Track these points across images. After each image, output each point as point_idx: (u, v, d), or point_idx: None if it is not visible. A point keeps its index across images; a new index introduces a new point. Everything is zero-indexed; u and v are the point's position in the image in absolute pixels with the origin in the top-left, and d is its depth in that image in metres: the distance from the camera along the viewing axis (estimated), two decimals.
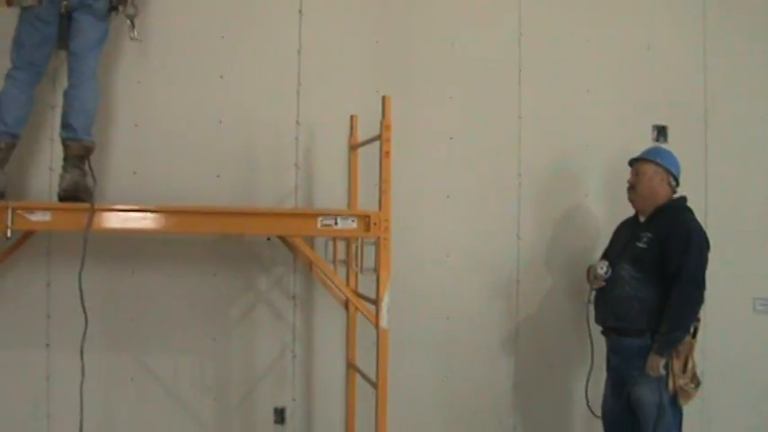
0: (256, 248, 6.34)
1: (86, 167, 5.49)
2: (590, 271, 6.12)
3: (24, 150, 5.67)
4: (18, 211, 4.98)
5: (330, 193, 6.41)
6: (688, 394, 5.77)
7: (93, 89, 5.51)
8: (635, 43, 6.99)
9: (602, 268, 5.94)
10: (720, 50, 7.16)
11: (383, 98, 5.23)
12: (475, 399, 6.70)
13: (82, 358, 5.19)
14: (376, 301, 5.27)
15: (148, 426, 6.26)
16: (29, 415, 6.13)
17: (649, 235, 5.86)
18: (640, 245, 5.86)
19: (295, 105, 6.41)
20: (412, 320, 6.34)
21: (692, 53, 7.12)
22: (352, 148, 6.35)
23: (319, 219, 5.24)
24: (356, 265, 5.77)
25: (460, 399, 6.67)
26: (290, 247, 6.17)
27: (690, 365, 5.77)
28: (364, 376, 5.86)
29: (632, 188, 6.04)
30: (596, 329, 6.18)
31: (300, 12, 6.45)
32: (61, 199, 5.34)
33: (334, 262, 6.11)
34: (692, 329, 5.75)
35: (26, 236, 5.88)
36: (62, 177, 5.42)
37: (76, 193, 5.32)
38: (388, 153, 5.19)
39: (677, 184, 6.02)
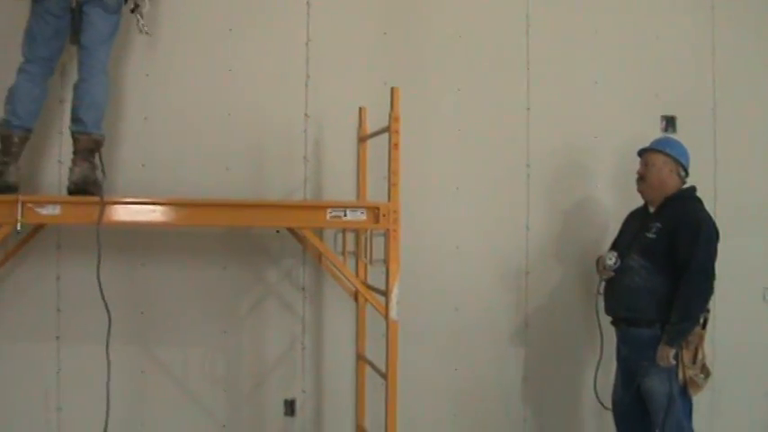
0: (266, 241, 6.35)
1: (96, 161, 5.50)
2: (599, 261, 6.11)
3: (34, 144, 5.65)
4: (28, 205, 4.98)
5: (339, 185, 6.41)
6: (698, 385, 5.77)
7: (103, 83, 5.50)
8: (643, 34, 6.98)
9: (611, 259, 5.94)
10: (729, 40, 7.15)
11: (392, 90, 5.23)
12: (484, 390, 6.71)
13: (107, 353, 5.21)
14: (385, 293, 5.27)
15: (159, 418, 6.28)
16: (40, 407, 6.16)
17: (659, 225, 5.86)
18: (650, 235, 5.86)
19: (303, 98, 6.42)
20: (421, 312, 6.34)
21: (701, 43, 7.11)
22: (361, 139, 6.35)
23: (328, 210, 5.24)
24: (365, 257, 5.77)
25: (470, 390, 6.68)
26: (300, 239, 6.18)
27: (700, 356, 5.78)
28: (374, 367, 5.86)
29: (641, 179, 6.03)
30: (606, 320, 6.18)
31: (308, 4, 6.45)
32: (71, 192, 5.34)
33: (343, 254, 6.10)
34: (701, 320, 5.76)
35: (36, 229, 5.91)
36: (72, 171, 5.41)
37: (86, 187, 5.32)
38: (396, 145, 5.19)
39: (686, 174, 6.02)
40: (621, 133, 6.78)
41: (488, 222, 6.68)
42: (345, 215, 5.23)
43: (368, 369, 6.18)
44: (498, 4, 6.80)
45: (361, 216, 5.23)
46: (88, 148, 5.45)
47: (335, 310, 6.47)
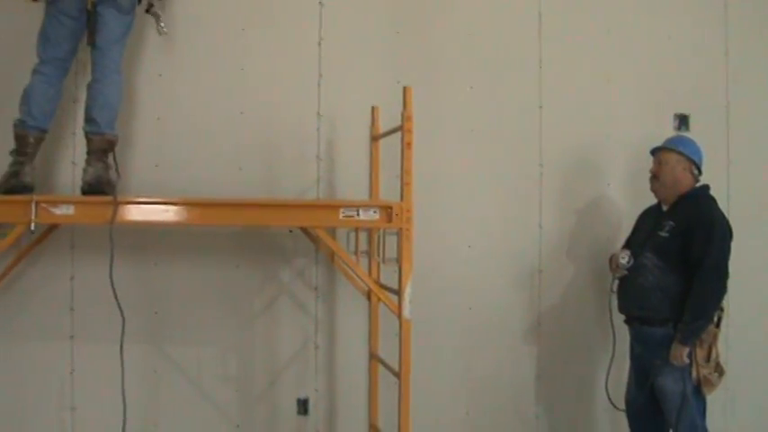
0: (278, 240, 6.36)
1: (110, 161, 5.51)
2: (612, 260, 6.11)
3: (47, 144, 5.67)
4: (42, 205, 5.00)
5: (352, 185, 6.41)
6: (712, 384, 5.77)
7: (117, 83, 5.53)
8: (656, 32, 6.96)
9: (625, 258, 5.93)
10: (742, 38, 7.13)
11: (404, 89, 5.22)
12: (497, 389, 6.70)
13: (121, 354, 5.22)
14: (398, 292, 5.27)
15: (172, 418, 6.29)
16: (53, 407, 6.18)
17: (672, 224, 5.85)
18: (663, 234, 5.85)
19: (316, 97, 6.42)
20: (434, 311, 6.34)
21: (714, 41, 7.09)
22: (374, 139, 6.35)
23: (341, 210, 5.24)
24: (378, 256, 5.77)
25: (483, 388, 6.68)
26: (312, 238, 6.18)
27: (713, 355, 5.77)
28: (387, 367, 5.86)
29: (655, 177, 6.02)
30: (619, 319, 6.17)
31: (321, 3, 6.46)
32: (84, 192, 5.36)
33: (356, 253, 6.10)
34: (715, 318, 5.76)
35: (50, 229, 5.94)
36: (85, 171, 5.44)
37: (100, 187, 5.34)
38: (409, 144, 5.19)
39: (700, 172, 6.01)
40: (634, 132, 6.77)
41: (501, 221, 6.67)
42: (358, 214, 5.23)
43: (381, 368, 6.18)
44: (511, 3, 6.79)
45: (374, 215, 5.24)
46: (102, 148, 5.48)
47: (348, 310, 6.47)
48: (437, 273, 6.39)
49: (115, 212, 5.04)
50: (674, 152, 5.97)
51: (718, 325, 5.78)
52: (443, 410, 6.57)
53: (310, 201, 6.25)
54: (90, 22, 5.43)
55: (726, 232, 5.80)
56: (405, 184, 5.20)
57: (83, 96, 5.65)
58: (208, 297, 6.30)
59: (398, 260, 5.25)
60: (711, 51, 7.08)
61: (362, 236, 6.18)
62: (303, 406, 6.42)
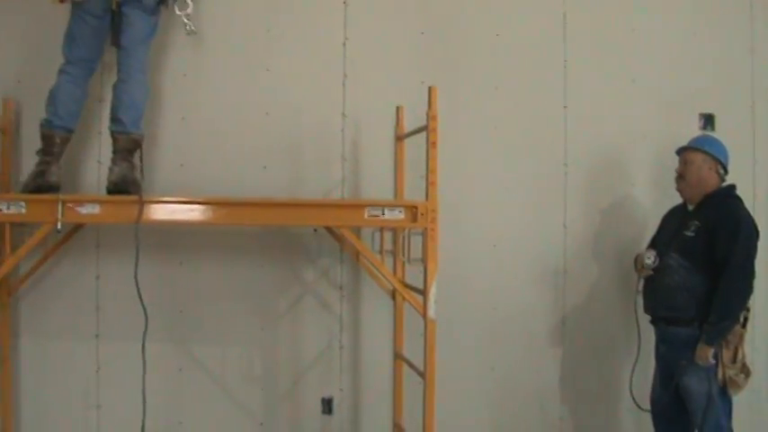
0: (303, 240, 6.37)
1: (135, 160, 5.54)
2: (637, 260, 6.08)
3: (73, 144, 5.70)
4: (68, 204, 5.04)
5: (376, 185, 6.42)
6: (738, 384, 5.74)
7: (142, 83, 5.56)
8: (680, 31, 6.92)
9: (650, 258, 5.92)
10: (767, 36, 7.08)
11: (429, 89, 5.22)
12: (521, 389, 6.70)
13: (143, 354, 5.28)
14: (423, 292, 5.27)
15: (197, 415, 6.33)
16: (79, 405, 6.24)
17: (697, 223, 5.83)
18: (688, 233, 5.83)
19: (341, 97, 6.43)
20: (459, 311, 6.33)
21: (739, 39, 7.05)
22: (398, 138, 6.35)
23: (367, 209, 5.25)
24: (403, 256, 5.76)
25: (507, 389, 6.67)
26: (337, 237, 6.19)
27: (740, 355, 5.74)
28: (412, 366, 5.86)
29: (680, 177, 6.00)
30: (645, 319, 6.15)
31: (345, 3, 6.47)
32: (110, 192, 5.39)
33: (381, 252, 6.10)
34: (741, 319, 5.72)
35: (75, 228, 5.97)
36: (111, 170, 5.47)
37: (125, 186, 5.37)
38: (434, 143, 5.19)
39: (726, 172, 5.98)
40: (659, 131, 6.74)
41: (526, 221, 6.66)
42: (383, 214, 5.23)
43: (405, 367, 6.18)
44: (535, 3, 6.77)
45: (399, 215, 5.24)
46: (127, 147, 5.51)
47: (373, 309, 6.48)
48: (461, 272, 6.38)
49: (141, 212, 5.08)
50: (700, 152, 5.95)
51: (744, 325, 5.75)
52: (467, 410, 6.57)
53: (336, 200, 6.26)
54: (114, 22, 5.47)
55: (752, 232, 5.77)
56: (430, 184, 5.20)
57: (108, 96, 5.68)
58: (233, 296, 6.32)
59: (423, 260, 5.25)
60: (737, 50, 7.04)
61: (387, 235, 6.19)
62: (327, 405, 6.43)
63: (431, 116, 5.20)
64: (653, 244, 6.15)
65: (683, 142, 6.10)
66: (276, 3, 6.41)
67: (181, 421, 6.31)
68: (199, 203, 5.19)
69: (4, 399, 6.01)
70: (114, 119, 5.50)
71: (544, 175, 6.69)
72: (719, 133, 6.60)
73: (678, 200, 6.12)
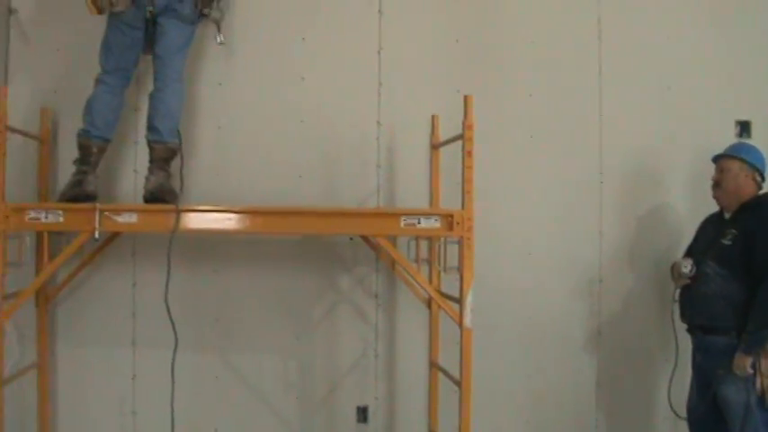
0: (339, 248, 6.39)
1: (172, 169, 5.58)
2: (674, 268, 6.04)
3: (109, 153, 5.75)
4: (105, 213, 5.11)
5: (412, 193, 6.42)
6: None
7: (179, 92, 5.59)
8: (717, 38, 6.85)
9: (687, 267, 5.87)
10: None
11: (465, 97, 5.23)
12: (557, 397, 6.66)
13: (173, 374, 5.36)
14: (459, 300, 5.26)
15: (232, 423, 6.36)
16: (115, 412, 6.30)
17: (734, 231, 5.78)
18: (725, 242, 5.78)
19: (376, 105, 6.44)
20: (494, 319, 6.31)
21: None
22: (434, 147, 6.34)
23: (402, 218, 5.26)
24: (439, 264, 5.76)
25: (543, 397, 6.64)
26: (373, 246, 6.18)
27: None
28: (448, 375, 5.85)
29: (717, 185, 5.96)
30: (681, 327, 6.11)
31: (380, 12, 6.47)
32: (147, 201, 5.43)
33: (416, 261, 6.11)
34: None
35: (112, 237, 6.01)
36: (147, 179, 5.51)
37: (162, 195, 5.41)
38: (470, 152, 5.19)
39: (763, 179, 5.93)
40: (695, 139, 6.68)
41: (561, 229, 6.63)
42: (419, 223, 5.24)
43: (441, 376, 6.17)
44: (570, 10, 6.73)
45: (435, 223, 5.25)
46: (164, 156, 5.54)
47: (408, 318, 6.48)
48: (497, 280, 6.36)
49: (177, 221, 5.12)
50: (737, 159, 5.91)
51: None
52: (503, 419, 6.56)
53: (372, 209, 6.27)
54: (151, 33, 5.51)
55: None
56: (466, 193, 5.20)
57: (144, 105, 5.73)
58: (268, 304, 6.35)
59: (459, 268, 5.25)
60: None
61: (423, 244, 6.19)
62: (363, 414, 6.44)
63: (466, 125, 5.20)
64: (689, 252, 6.10)
65: (720, 149, 6.05)
66: (311, 12, 6.43)
67: (216, 428, 6.34)
68: (235, 212, 5.23)
69: (42, 405, 6.07)
70: (151, 128, 5.54)
71: (579, 182, 6.66)
72: (756, 140, 6.54)
73: (714, 207, 6.07)
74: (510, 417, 6.59)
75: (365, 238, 6.12)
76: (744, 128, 6.84)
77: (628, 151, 6.71)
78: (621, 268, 6.71)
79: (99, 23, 5.58)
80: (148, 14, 5.46)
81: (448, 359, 6.03)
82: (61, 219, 5.11)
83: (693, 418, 6.02)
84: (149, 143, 5.56)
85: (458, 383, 5.30)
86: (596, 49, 6.74)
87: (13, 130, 5.36)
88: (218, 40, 5.79)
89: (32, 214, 5.10)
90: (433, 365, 6.33)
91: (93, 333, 6.24)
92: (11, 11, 6.19)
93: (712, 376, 5.76)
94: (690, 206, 6.64)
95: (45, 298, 6.03)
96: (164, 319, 5.36)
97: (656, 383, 6.62)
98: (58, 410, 6.23)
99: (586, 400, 6.69)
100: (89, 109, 5.50)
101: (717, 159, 6.03)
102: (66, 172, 5.75)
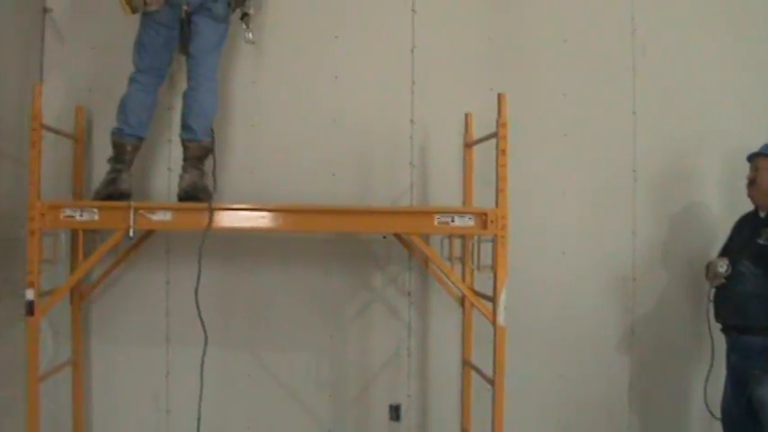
0: (371, 246, 6.40)
1: (206, 168, 5.60)
2: (709, 268, 5.99)
3: (143, 151, 5.78)
4: (140, 211, 5.14)
5: (445, 191, 6.42)
6: None
7: (212, 91, 5.61)
8: (753, 35, 6.81)
9: (722, 266, 5.82)
10: None
11: (499, 96, 5.22)
12: (589, 396, 6.63)
13: (201, 372, 5.40)
14: (493, 299, 5.26)
15: (265, 421, 6.39)
16: (150, 409, 6.35)
17: None
18: (761, 241, 5.72)
19: (409, 104, 6.44)
20: (527, 318, 6.25)
21: None
22: (467, 145, 6.33)
23: (436, 216, 5.26)
24: (473, 263, 5.75)
25: (575, 396, 6.61)
26: (406, 244, 6.20)
27: None
28: (481, 373, 5.84)
29: (752, 184, 5.91)
30: (716, 327, 6.07)
31: (413, 10, 6.48)
32: (180, 199, 5.46)
33: (450, 259, 6.11)
34: None
35: (146, 235, 6.03)
36: (181, 178, 5.54)
37: (195, 193, 5.43)
38: (504, 151, 5.18)
39: None
40: (730, 137, 6.61)
41: (594, 227, 6.60)
42: (453, 221, 5.24)
43: (474, 375, 6.16)
44: (603, 7, 6.70)
45: (468, 222, 5.24)
46: (197, 155, 5.57)
47: (441, 316, 6.48)
48: (530, 279, 6.32)
49: (211, 219, 5.13)
50: None
51: None
52: (535, 417, 6.54)
53: (406, 207, 6.28)
54: (183, 31, 5.52)
55: None
56: (500, 191, 5.20)
57: (178, 104, 5.76)
58: (301, 302, 6.37)
59: (493, 267, 5.25)
60: None
61: (456, 242, 6.18)
62: (395, 412, 6.44)
63: (500, 123, 5.20)
64: (725, 252, 6.06)
65: (755, 148, 6.01)
66: (344, 11, 6.44)
67: (249, 426, 6.37)
68: (268, 210, 5.24)
69: (76, 402, 6.11)
70: (185, 126, 5.56)
71: (613, 181, 6.63)
72: None
73: (749, 206, 6.03)
74: (542, 415, 6.57)
75: (398, 237, 6.13)
76: None
77: (661, 149, 6.67)
78: (655, 267, 6.68)
79: (133, 22, 5.61)
80: (183, 14, 5.48)
81: (479, 357, 6.05)
82: (96, 217, 5.14)
83: (728, 418, 5.97)
84: (183, 142, 5.59)
85: (491, 382, 5.30)
86: (630, 47, 6.70)
87: (48, 129, 5.40)
88: (248, 37, 5.78)
89: (67, 212, 5.13)
90: (466, 364, 6.33)
91: (127, 330, 6.29)
92: (45, 10, 6.23)
93: (747, 376, 5.72)
94: (724, 205, 6.60)
95: (79, 295, 6.08)
96: (197, 317, 5.37)
97: (690, 384, 6.59)
98: (92, 407, 6.29)
99: (619, 398, 6.65)
100: (123, 108, 5.53)
101: (751, 158, 5.99)
102: (100, 170, 5.78)
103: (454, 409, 6.45)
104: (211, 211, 5.17)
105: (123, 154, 5.53)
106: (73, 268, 5.76)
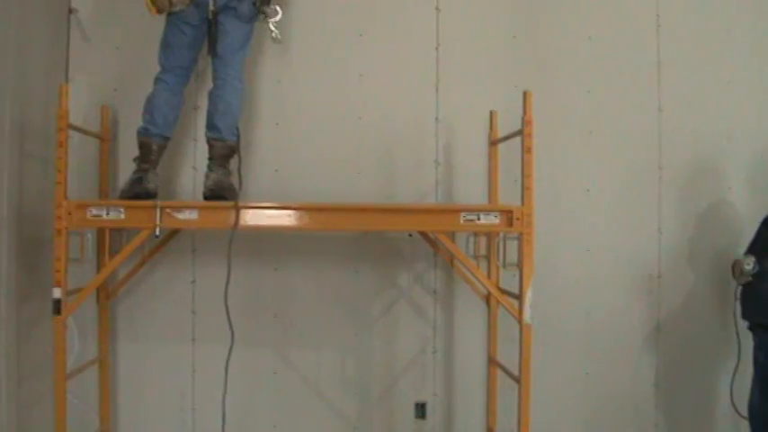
0: (397, 244, 6.40)
1: (231, 167, 5.60)
2: (736, 266, 5.98)
3: (169, 150, 5.79)
4: (166, 210, 5.14)
5: (470, 188, 6.41)
6: None
7: (238, 90, 5.61)
8: None
9: (749, 264, 5.80)
10: None
11: (524, 93, 5.20)
12: (616, 395, 6.61)
13: (226, 371, 5.42)
14: (519, 296, 5.25)
15: (291, 419, 6.39)
16: (176, 407, 6.37)
17: None
18: None
19: (434, 102, 6.44)
20: (552, 315, 6.29)
21: None
22: (492, 143, 6.31)
23: (462, 214, 5.25)
24: (499, 260, 5.74)
25: (600, 394, 6.60)
26: (431, 242, 6.20)
27: None
28: (506, 371, 5.83)
29: None
30: (743, 325, 6.05)
31: (438, 8, 6.47)
32: (206, 198, 5.46)
33: (476, 257, 6.10)
34: None
35: (172, 234, 6.07)
36: (207, 177, 5.54)
37: (221, 192, 5.43)
38: (529, 148, 5.17)
39: None
40: (756, 135, 6.62)
41: (620, 225, 6.58)
42: (479, 219, 5.22)
43: (499, 372, 6.16)
44: (628, 4, 6.69)
45: (494, 219, 5.23)
46: (223, 154, 5.57)
47: (467, 313, 6.47)
48: (556, 276, 6.34)
49: (237, 217, 5.14)
50: None
51: None
52: (561, 415, 6.52)
53: (431, 205, 6.27)
54: (211, 31, 5.53)
55: None
56: (525, 189, 5.18)
57: (203, 103, 5.77)
58: (327, 301, 6.38)
59: (519, 264, 5.23)
60: None
61: (481, 240, 6.18)
62: (421, 410, 6.44)
63: (526, 121, 5.17)
64: (751, 249, 6.03)
65: None
66: (369, 9, 6.44)
67: (275, 424, 6.39)
68: (294, 209, 5.24)
69: (103, 400, 6.15)
70: (210, 126, 5.57)
71: (638, 178, 6.60)
72: None
73: None
74: (568, 413, 6.56)
75: (424, 235, 6.13)
76: None
77: (687, 147, 6.64)
78: (680, 265, 6.65)
79: (158, 22, 5.62)
80: (210, 14, 5.49)
81: (505, 354, 6.04)
82: (122, 216, 5.15)
83: (755, 418, 5.95)
84: (209, 141, 5.59)
85: (517, 380, 5.29)
86: (655, 44, 6.67)
87: (74, 128, 5.41)
88: (273, 35, 5.76)
89: (94, 211, 5.14)
90: (492, 361, 6.32)
91: (153, 329, 6.31)
92: (71, 10, 6.26)
93: None
94: (750, 203, 6.57)
95: (106, 294, 6.11)
96: (224, 315, 5.38)
97: (716, 382, 6.56)
98: (118, 406, 6.32)
99: (645, 396, 6.63)
100: (149, 107, 5.54)
101: None
102: (126, 169, 5.81)
103: (480, 406, 6.45)
104: (237, 209, 5.17)
105: (149, 153, 5.54)
106: (99, 267, 5.81)
